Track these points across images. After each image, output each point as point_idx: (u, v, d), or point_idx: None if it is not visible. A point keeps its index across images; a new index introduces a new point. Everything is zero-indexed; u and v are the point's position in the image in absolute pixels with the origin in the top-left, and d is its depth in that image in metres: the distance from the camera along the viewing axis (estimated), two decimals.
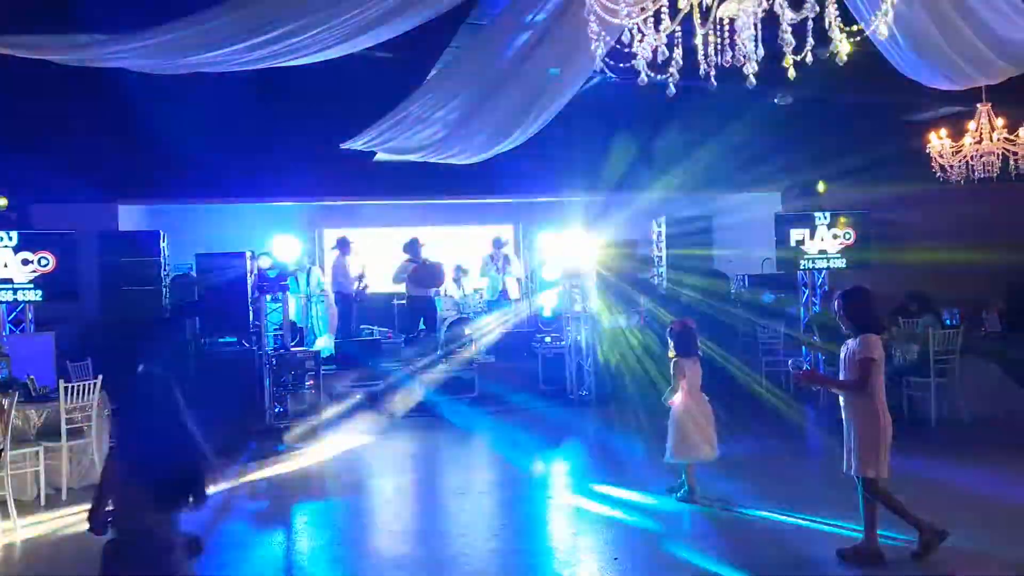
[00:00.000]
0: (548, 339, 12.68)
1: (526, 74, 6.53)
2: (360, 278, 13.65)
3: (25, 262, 10.01)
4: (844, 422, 5.42)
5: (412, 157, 9.60)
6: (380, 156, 10.35)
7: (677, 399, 6.79)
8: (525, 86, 6.76)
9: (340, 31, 5.46)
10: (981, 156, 8.78)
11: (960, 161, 8.96)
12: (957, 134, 9.04)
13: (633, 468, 8.26)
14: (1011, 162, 8.67)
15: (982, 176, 8.90)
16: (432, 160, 9.52)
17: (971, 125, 8.75)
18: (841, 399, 5.46)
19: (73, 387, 7.53)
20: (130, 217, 12.88)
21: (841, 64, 3.39)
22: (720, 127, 10.83)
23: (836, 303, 5.56)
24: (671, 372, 6.87)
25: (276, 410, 10.49)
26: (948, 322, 10.34)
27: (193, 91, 8.07)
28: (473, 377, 11.91)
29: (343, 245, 13.82)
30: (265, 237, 13.79)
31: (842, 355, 5.46)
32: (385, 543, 6.32)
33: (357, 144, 9.09)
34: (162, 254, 11.23)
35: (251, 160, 10.95)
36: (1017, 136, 8.63)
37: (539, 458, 9.38)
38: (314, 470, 9.30)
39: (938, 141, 9.02)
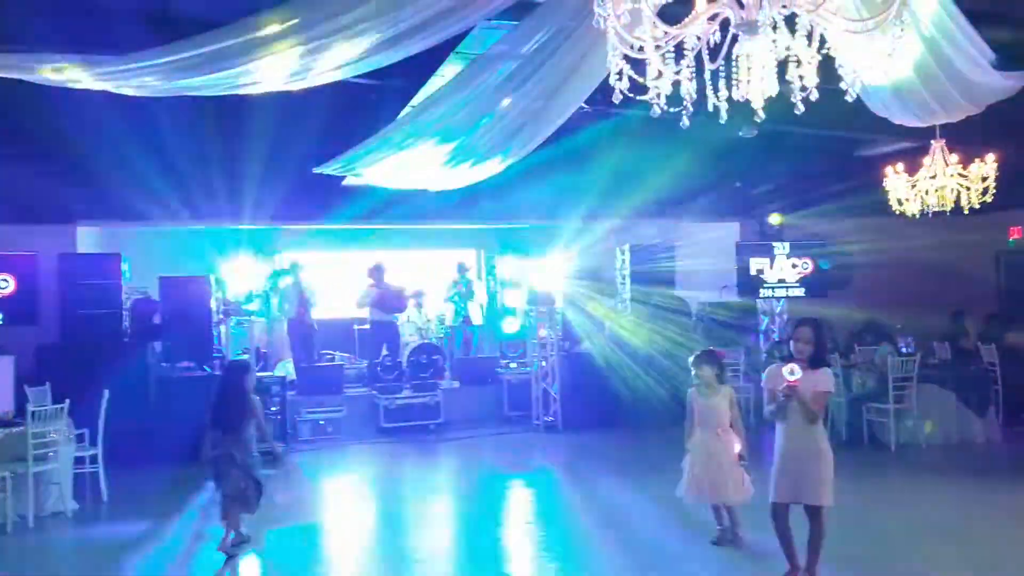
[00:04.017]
0: (513, 364, 12.70)
1: (512, 106, 6.62)
2: (304, 303, 13.18)
3: None
4: (794, 452, 5.29)
5: (384, 183, 9.59)
6: (348, 180, 10.31)
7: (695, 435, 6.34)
8: (509, 117, 6.85)
9: (333, 59, 5.49)
10: (936, 190, 9.11)
11: (916, 195, 9.29)
12: (912, 168, 9.38)
13: (600, 497, 8.25)
14: (964, 196, 8.99)
15: (936, 210, 9.24)
16: (404, 187, 9.52)
17: (926, 160, 9.08)
18: (793, 430, 5.30)
19: (36, 412, 7.32)
20: (90, 239, 12.55)
21: (812, 100, 3.55)
22: (682, 157, 10.98)
23: (807, 330, 5.41)
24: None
25: None
26: (903, 350, 10.68)
27: (153, 112, 7.90)
28: (438, 402, 11.86)
29: (294, 270, 13.49)
30: (224, 260, 13.64)
31: (774, 381, 5.35)
32: (348, 569, 6.31)
33: (330, 169, 9.04)
34: (123, 277, 10.97)
35: (213, 183, 10.77)
36: (969, 171, 8.98)
37: (505, 485, 9.37)
38: (277, 497, 9.14)
39: (895, 176, 9.34)
